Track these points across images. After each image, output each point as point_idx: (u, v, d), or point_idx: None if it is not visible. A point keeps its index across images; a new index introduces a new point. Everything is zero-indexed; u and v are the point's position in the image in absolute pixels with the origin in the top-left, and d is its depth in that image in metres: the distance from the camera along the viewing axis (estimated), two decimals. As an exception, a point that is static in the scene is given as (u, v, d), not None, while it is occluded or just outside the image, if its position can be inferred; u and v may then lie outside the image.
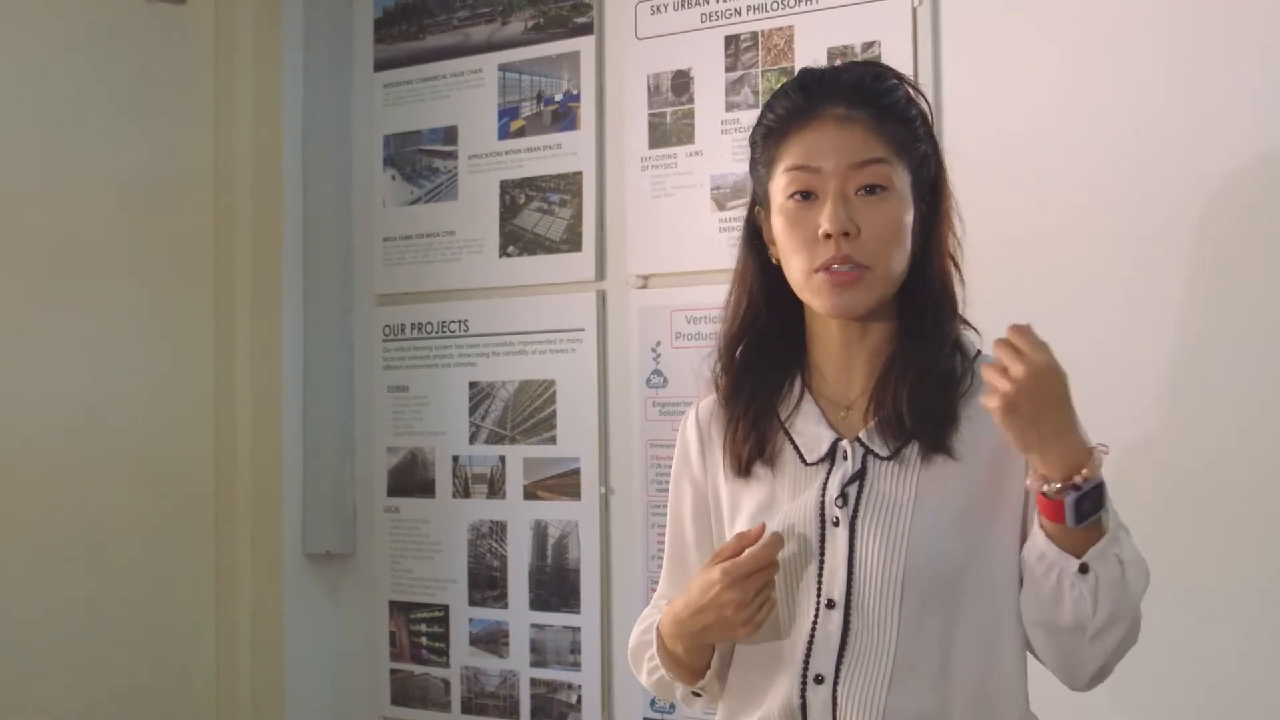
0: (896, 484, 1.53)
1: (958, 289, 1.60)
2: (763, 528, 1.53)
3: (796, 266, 1.55)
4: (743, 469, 1.61)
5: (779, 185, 1.56)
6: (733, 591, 1.50)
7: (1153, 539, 2.19)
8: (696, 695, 1.65)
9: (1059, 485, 1.42)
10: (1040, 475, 1.43)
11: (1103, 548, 1.44)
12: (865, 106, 1.54)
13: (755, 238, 1.63)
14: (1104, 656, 1.50)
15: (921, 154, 1.57)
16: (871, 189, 1.52)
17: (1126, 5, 2.33)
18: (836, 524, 1.53)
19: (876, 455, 1.55)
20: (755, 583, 1.50)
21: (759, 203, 1.62)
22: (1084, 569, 1.44)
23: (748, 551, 1.51)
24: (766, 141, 1.59)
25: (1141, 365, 2.28)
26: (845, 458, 1.56)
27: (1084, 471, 1.41)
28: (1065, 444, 1.42)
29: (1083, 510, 1.42)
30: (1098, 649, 1.49)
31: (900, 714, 1.49)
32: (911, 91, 1.59)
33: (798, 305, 1.60)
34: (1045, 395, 1.40)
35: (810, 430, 1.59)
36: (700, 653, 1.60)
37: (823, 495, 1.55)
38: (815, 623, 1.53)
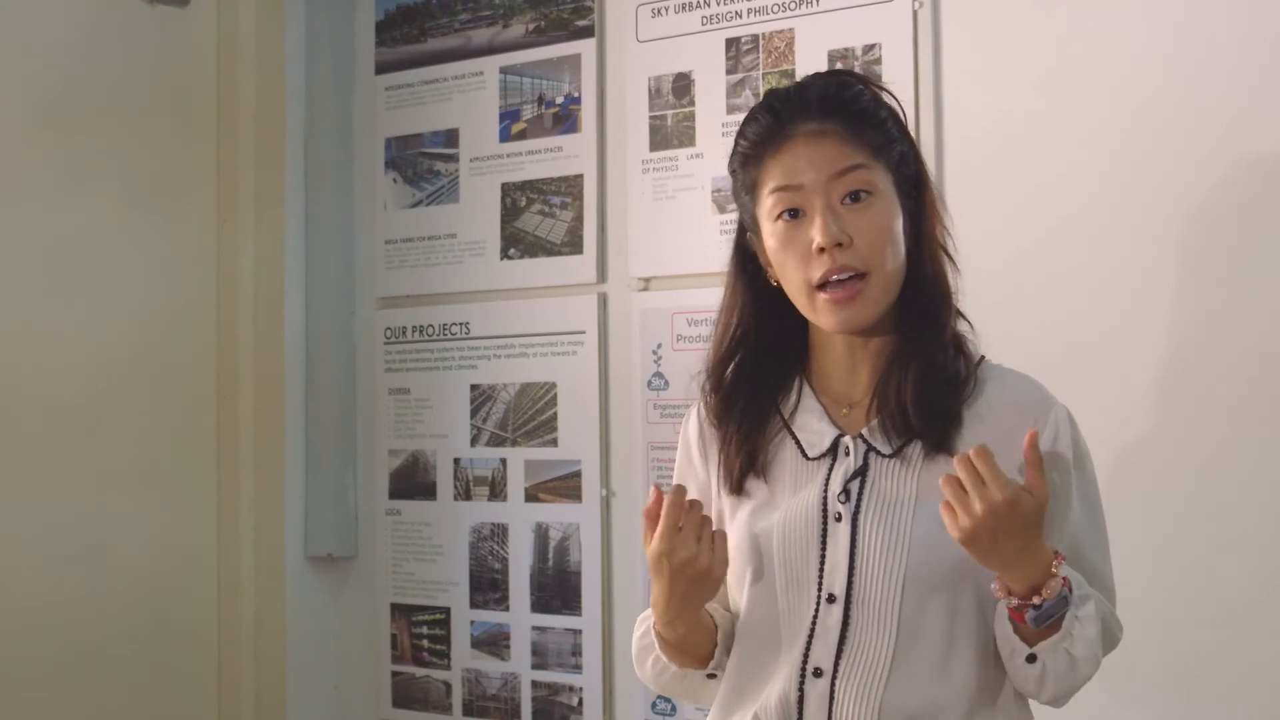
0: (898, 482, 1.54)
1: (952, 278, 1.61)
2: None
3: (796, 283, 1.55)
4: (735, 486, 1.63)
5: (765, 208, 1.57)
6: (656, 545, 1.52)
7: (1151, 536, 2.22)
8: (712, 677, 1.64)
9: (1018, 602, 1.45)
10: (1003, 585, 1.46)
11: (1053, 643, 1.47)
12: (835, 117, 1.54)
13: (748, 261, 1.64)
14: (1054, 703, 1.55)
15: (899, 153, 1.58)
16: (856, 195, 1.53)
17: (1127, 6, 2.33)
18: (839, 519, 1.54)
19: (879, 452, 1.56)
20: (666, 530, 1.51)
21: (748, 228, 1.63)
22: (1031, 658, 1.48)
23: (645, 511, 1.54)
24: (745, 167, 1.60)
25: (1144, 361, 2.28)
26: (847, 453, 1.57)
27: (1043, 593, 1.44)
28: (1025, 568, 1.44)
29: (1042, 620, 1.45)
30: (1044, 700, 1.54)
31: (897, 709, 1.50)
32: (879, 92, 1.60)
33: (798, 317, 1.60)
34: (1004, 529, 1.41)
35: (812, 426, 1.60)
36: (700, 634, 1.61)
37: (825, 490, 1.56)
38: (815, 616, 1.54)
